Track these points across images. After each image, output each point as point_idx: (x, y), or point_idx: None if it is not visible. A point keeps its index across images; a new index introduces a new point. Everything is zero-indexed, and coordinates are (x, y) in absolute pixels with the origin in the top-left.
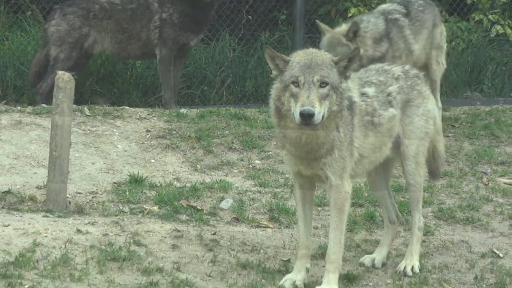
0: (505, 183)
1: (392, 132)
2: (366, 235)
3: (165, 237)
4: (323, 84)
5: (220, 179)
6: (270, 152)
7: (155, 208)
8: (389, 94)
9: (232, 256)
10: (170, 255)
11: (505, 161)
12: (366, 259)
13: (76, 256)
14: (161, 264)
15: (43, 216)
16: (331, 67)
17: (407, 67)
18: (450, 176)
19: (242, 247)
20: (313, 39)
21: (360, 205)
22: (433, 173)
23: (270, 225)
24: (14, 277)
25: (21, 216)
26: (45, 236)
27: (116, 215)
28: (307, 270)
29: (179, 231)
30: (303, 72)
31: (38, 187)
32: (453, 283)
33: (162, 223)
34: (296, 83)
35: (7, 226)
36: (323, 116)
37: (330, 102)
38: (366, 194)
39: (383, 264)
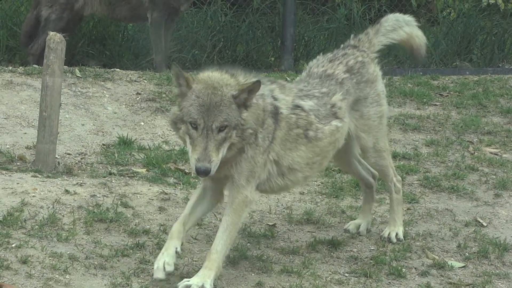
0: (491, 153)
1: (336, 144)
2: (351, 202)
3: (152, 200)
4: (222, 128)
5: None
6: None
7: (143, 170)
8: (333, 106)
9: (218, 219)
10: (157, 217)
11: (491, 131)
12: (351, 225)
13: (63, 216)
14: (148, 226)
15: (32, 176)
16: (230, 104)
17: (350, 62)
18: (436, 144)
19: None
20: (304, 5)
21: (346, 172)
22: (414, 58)
23: None
24: (2, 235)
25: (10, 175)
26: (33, 196)
27: (104, 177)
28: (177, 252)
29: (166, 193)
30: (202, 115)
31: (27, 147)
32: (437, 251)
33: (150, 186)
34: (194, 124)
35: None
36: (221, 158)
37: (229, 141)
38: None
39: (368, 231)
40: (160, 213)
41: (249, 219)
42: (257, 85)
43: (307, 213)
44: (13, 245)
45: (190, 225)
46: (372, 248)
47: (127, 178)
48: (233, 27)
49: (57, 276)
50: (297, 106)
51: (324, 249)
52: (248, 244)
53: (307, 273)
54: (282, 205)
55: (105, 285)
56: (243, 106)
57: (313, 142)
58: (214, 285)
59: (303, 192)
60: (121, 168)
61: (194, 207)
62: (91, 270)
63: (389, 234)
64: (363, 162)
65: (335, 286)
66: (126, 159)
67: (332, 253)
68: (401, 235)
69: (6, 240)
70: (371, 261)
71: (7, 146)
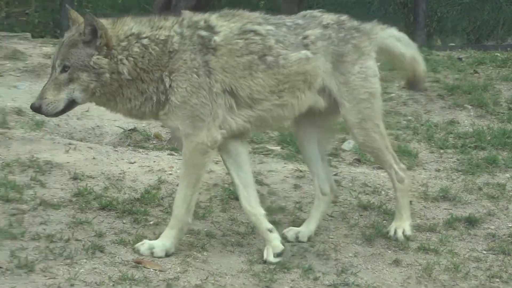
0: None
1: (309, 78)
2: (488, 178)
3: (287, 177)
4: (65, 68)
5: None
6: (393, 94)
7: (278, 148)
8: (305, 37)
9: (354, 197)
10: (292, 194)
11: None
12: (290, 232)
13: (200, 194)
14: (283, 204)
15: (168, 154)
16: (76, 43)
17: (344, 17)
18: None
19: (363, 188)
20: None
21: (482, 148)
22: (412, 86)
23: None
24: (140, 213)
25: (146, 153)
26: (170, 174)
27: None
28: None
29: (301, 171)
30: (54, 55)
31: (162, 126)
32: None
33: (285, 163)
34: None
35: (133, 163)
36: (70, 102)
37: (79, 83)
38: (489, 138)
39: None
40: (295, 190)
41: (384, 196)
42: (88, 21)
43: (443, 190)
44: (151, 222)
45: (254, 195)
46: (510, 226)
47: (262, 156)
48: (364, 3)
49: (194, 253)
50: (248, 31)
51: (461, 227)
52: (384, 221)
53: (444, 251)
54: (417, 182)
55: (242, 262)
56: (94, 48)
57: (275, 68)
58: (177, 249)
59: (439, 169)
60: (256, 146)
61: (240, 180)
62: (228, 247)
63: (395, 232)
64: (326, 164)
65: (473, 264)
66: (260, 137)
67: (469, 231)
68: (408, 231)
69: (144, 217)
70: (509, 238)
71: (143, 125)
